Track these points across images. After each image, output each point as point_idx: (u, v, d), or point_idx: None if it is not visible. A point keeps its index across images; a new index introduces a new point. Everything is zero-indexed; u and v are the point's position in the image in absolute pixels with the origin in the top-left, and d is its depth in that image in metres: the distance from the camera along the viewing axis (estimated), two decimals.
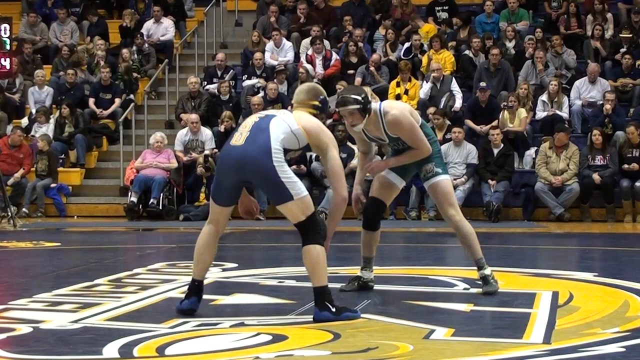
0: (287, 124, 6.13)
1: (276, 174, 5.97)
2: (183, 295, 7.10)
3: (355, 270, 8.08)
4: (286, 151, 6.11)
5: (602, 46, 17.98)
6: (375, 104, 7.02)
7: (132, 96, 18.80)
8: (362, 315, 6.17)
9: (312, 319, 6.01)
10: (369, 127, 7.03)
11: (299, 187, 6.04)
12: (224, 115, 16.56)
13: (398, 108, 7.07)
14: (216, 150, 15.71)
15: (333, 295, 6.16)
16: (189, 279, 7.88)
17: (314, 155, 15.83)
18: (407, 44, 18.38)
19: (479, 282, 7.34)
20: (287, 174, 6.02)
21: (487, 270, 7.21)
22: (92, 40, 19.98)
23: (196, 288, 6.33)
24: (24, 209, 16.14)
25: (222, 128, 16.40)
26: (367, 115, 6.89)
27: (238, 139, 6.14)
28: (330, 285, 7.39)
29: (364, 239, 7.38)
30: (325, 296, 6.05)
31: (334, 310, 6.02)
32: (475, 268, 7.26)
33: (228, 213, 6.36)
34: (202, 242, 6.34)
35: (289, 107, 6.58)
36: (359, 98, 6.82)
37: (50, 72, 19.38)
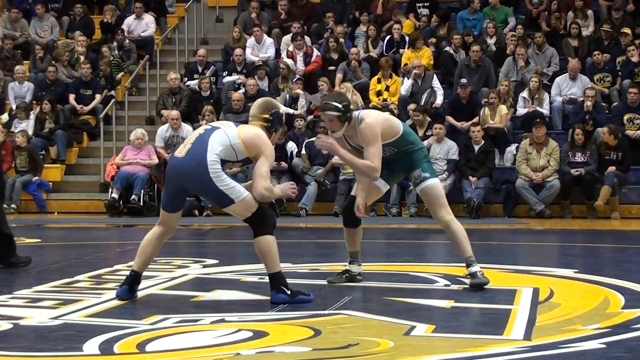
0: (228, 137, 6.38)
1: (214, 184, 6.31)
2: (164, 292, 7.13)
3: (335, 267, 8.09)
4: (224, 162, 6.38)
5: (581, 44, 18.03)
6: (355, 112, 7.08)
7: (112, 92, 18.75)
8: (342, 312, 6.17)
9: (293, 316, 6.01)
10: (351, 134, 7.08)
11: (237, 191, 6.36)
12: (205, 110, 16.45)
13: (372, 117, 7.09)
14: None
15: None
16: (170, 275, 7.95)
17: (294, 152, 15.83)
18: (388, 37, 18.40)
19: (460, 279, 7.34)
20: (224, 182, 6.33)
21: (476, 268, 7.17)
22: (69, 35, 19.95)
23: (131, 278, 6.67)
24: (4, 205, 16.03)
25: (203, 123, 16.33)
26: (346, 123, 6.98)
27: (181, 150, 6.46)
28: (311, 281, 7.45)
29: (347, 236, 7.48)
30: (280, 280, 6.46)
31: (289, 292, 6.43)
32: (464, 265, 7.25)
33: (175, 218, 6.68)
34: (148, 239, 6.67)
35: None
36: (339, 106, 6.93)
37: (28, 69, 19.30)
